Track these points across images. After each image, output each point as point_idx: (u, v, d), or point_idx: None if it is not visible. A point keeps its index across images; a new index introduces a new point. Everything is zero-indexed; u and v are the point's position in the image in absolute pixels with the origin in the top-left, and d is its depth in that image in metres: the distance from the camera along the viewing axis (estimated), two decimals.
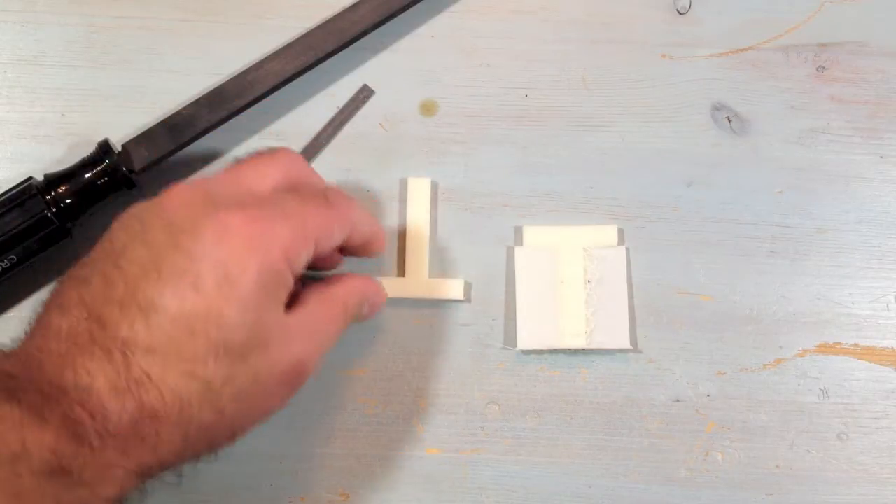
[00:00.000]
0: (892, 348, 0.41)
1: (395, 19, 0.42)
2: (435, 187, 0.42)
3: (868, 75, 0.43)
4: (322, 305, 0.34)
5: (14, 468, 0.26)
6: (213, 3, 0.43)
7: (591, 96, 0.43)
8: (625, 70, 0.43)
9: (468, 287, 0.41)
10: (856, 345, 0.41)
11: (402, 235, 0.41)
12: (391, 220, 0.42)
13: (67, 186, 0.38)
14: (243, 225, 0.30)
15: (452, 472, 0.40)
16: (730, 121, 0.43)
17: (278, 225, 0.31)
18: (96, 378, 0.29)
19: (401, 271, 0.41)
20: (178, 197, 0.32)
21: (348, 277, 0.37)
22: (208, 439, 0.31)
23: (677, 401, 0.41)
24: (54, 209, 0.37)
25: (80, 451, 0.28)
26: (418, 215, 0.41)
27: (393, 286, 0.40)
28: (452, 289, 0.41)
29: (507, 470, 0.40)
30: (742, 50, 0.43)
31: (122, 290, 0.30)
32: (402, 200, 0.42)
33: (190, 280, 0.29)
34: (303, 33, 0.41)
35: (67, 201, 0.38)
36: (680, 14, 0.44)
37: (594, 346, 0.40)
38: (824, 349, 0.41)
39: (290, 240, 0.31)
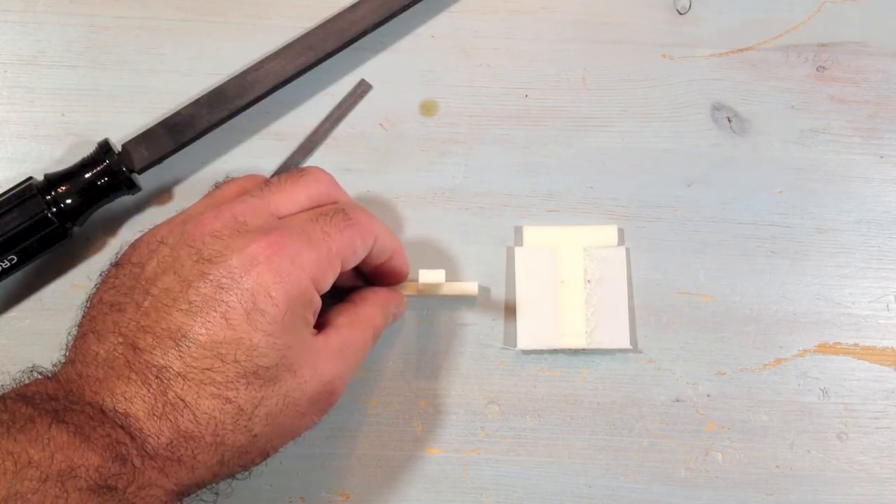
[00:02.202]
0: (892, 348, 0.41)
1: (395, 19, 0.42)
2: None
3: (868, 75, 0.43)
4: (352, 329, 0.35)
5: (62, 486, 0.27)
6: (213, 3, 0.43)
7: (591, 96, 0.43)
8: (625, 70, 0.43)
9: (483, 290, 0.41)
10: (856, 345, 0.41)
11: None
12: (394, 222, 0.42)
13: (67, 186, 0.38)
14: (269, 254, 0.31)
15: (452, 472, 0.40)
16: (730, 121, 0.43)
17: (304, 251, 0.32)
18: (134, 403, 0.30)
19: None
20: (206, 226, 0.32)
21: (373, 294, 0.37)
22: (242, 459, 0.32)
23: (677, 401, 0.41)
24: (54, 209, 0.37)
25: (124, 470, 0.29)
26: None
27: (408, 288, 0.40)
28: (467, 288, 0.41)
29: (507, 470, 0.40)
30: (742, 50, 0.43)
31: (155, 319, 0.31)
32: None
33: (220, 311, 0.31)
34: (303, 33, 0.41)
35: (67, 201, 0.38)
36: (680, 14, 0.44)
37: (594, 346, 0.40)
38: (824, 349, 0.41)
39: (316, 263, 0.32)
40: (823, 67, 0.43)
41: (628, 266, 0.41)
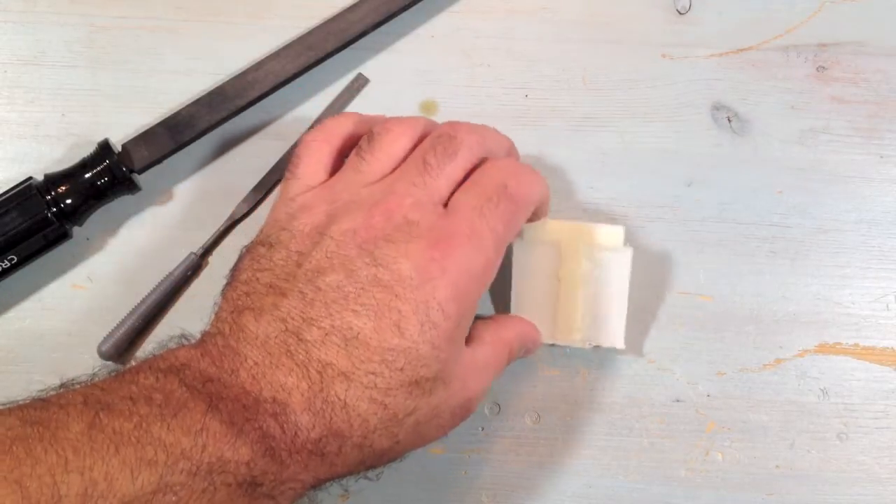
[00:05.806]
0: (892, 348, 0.41)
1: (395, 19, 0.42)
2: None
3: (868, 75, 0.43)
4: (495, 347, 0.35)
5: (211, 480, 0.27)
6: (213, 3, 0.43)
7: (591, 96, 0.43)
8: (625, 70, 0.43)
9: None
10: (856, 345, 0.41)
11: None
12: None
13: (67, 186, 0.38)
14: (445, 266, 0.31)
15: (452, 472, 0.40)
16: (730, 121, 0.43)
17: (475, 258, 0.32)
18: (292, 395, 0.30)
19: None
20: (377, 229, 0.32)
21: (516, 321, 0.38)
22: (379, 460, 0.33)
23: (677, 401, 0.41)
24: (54, 209, 0.37)
25: (271, 466, 0.29)
26: None
27: None
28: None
29: (507, 470, 0.40)
30: (742, 50, 0.43)
31: (323, 313, 0.30)
32: None
33: (392, 318, 0.30)
34: (303, 33, 0.41)
35: (67, 201, 0.38)
36: (680, 14, 0.44)
37: (591, 344, 0.40)
38: (824, 349, 0.41)
39: (484, 275, 0.32)
40: (823, 67, 0.43)
41: (632, 267, 0.41)
